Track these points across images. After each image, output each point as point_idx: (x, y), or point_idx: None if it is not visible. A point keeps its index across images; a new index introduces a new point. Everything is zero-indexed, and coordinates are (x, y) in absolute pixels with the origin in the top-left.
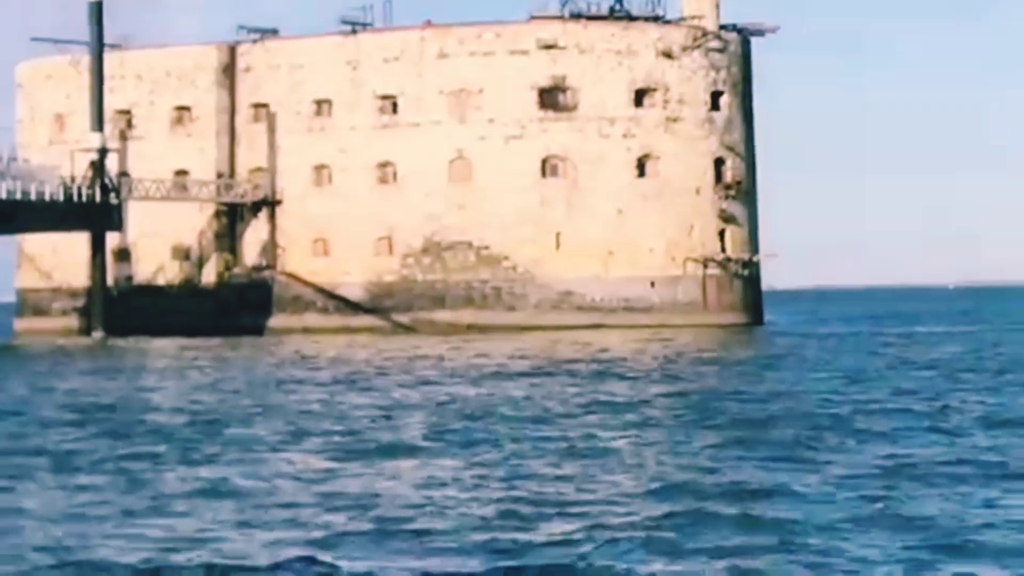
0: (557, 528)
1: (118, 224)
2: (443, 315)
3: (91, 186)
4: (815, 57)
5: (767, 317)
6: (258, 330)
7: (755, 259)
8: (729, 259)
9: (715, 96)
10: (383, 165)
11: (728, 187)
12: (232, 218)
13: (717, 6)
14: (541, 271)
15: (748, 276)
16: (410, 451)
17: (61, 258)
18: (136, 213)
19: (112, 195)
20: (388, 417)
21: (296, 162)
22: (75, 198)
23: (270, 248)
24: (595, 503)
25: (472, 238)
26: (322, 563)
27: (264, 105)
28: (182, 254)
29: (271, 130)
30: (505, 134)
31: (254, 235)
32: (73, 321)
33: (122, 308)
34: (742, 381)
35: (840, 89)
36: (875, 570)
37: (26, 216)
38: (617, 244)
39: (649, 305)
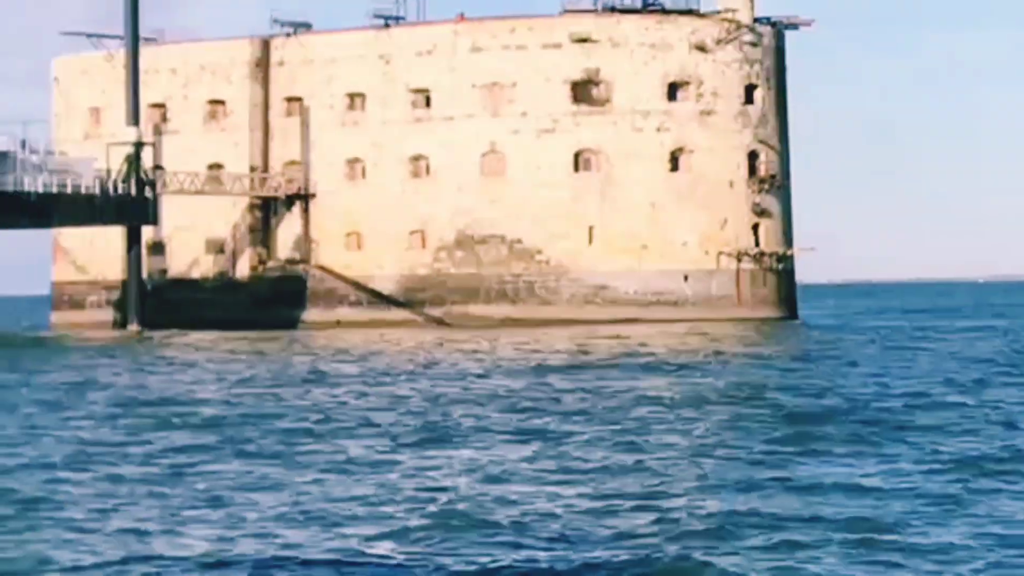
0: (624, 523)
1: (153, 218)
2: (476, 309)
3: (127, 180)
4: (849, 50)
5: (801, 312)
6: (292, 323)
7: (789, 253)
8: (763, 253)
9: (749, 90)
10: (416, 159)
11: (762, 181)
12: (266, 212)
13: None
14: (574, 265)
15: (782, 270)
16: (465, 444)
17: (96, 251)
18: (170, 207)
19: (147, 189)
20: (439, 409)
21: (329, 156)
22: (111, 192)
23: (303, 242)
24: (659, 497)
25: (505, 232)
26: (382, 556)
27: (298, 99)
28: (216, 248)
29: (304, 124)
30: (538, 128)
31: (287, 229)
32: (108, 314)
33: (156, 301)
34: (789, 375)
35: (873, 82)
36: (956, 568)
37: (62, 210)
38: (650, 238)
39: (683, 299)
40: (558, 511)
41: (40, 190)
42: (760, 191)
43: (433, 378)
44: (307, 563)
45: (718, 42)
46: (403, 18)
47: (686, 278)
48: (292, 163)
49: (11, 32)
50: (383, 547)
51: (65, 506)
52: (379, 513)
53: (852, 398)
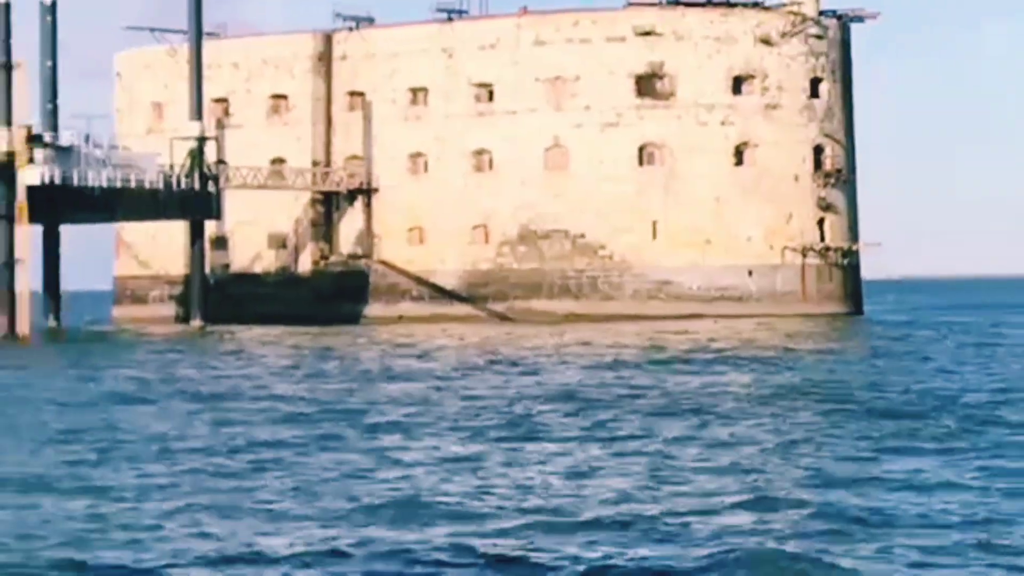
0: (727, 520)
1: (217, 212)
2: (539, 304)
3: (190, 174)
4: (915, 43)
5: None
6: (354, 319)
7: (854, 248)
8: (828, 248)
9: (814, 83)
10: (479, 153)
11: (827, 175)
12: (328, 207)
13: None
14: (638, 260)
15: (847, 265)
16: (552, 439)
17: (159, 246)
18: (233, 201)
19: (210, 183)
20: (519, 405)
21: (392, 150)
22: (174, 187)
23: (366, 236)
24: (759, 494)
25: (568, 227)
26: (480, 552)
27: (360, 93)
28: (278, 242)
29: (367, 118)
30: (601, 122)
31: (350, 224)
32: (170, 309)
33: (219, 296)
34: (869, 371)
35: (939, 77)
36: None
37: (126, 204)
38: (715, 233)
39: (747, 294)
40: (656, 509)
41: (104, 185)
42: (825, 185)
43: (506, 373)
44: (403, 557)
45: (783, 35)
46: (466, 12)
47: (750, 273)
48: (354, 157)
49: (73, 26)
50: (480, 543)
51: (158, 499)
52: (473, 509)
53: (937, 394)
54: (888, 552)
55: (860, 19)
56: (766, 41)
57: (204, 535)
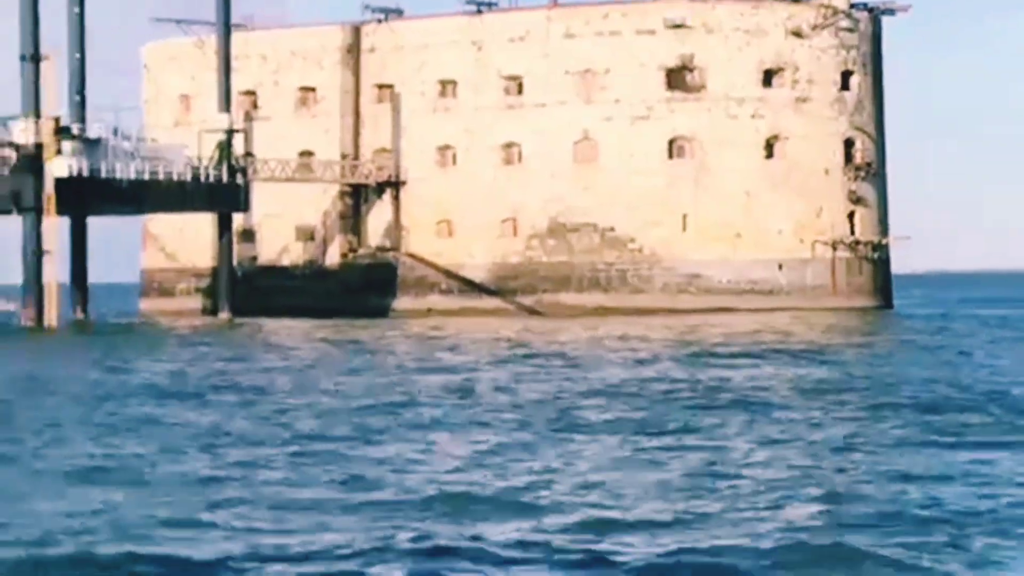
0: (785, 514)
1: (245, 205)
2: (568, 298)
3: (218, 167)
4: (946, 36)
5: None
6: (382, 312)
7: (885, 241)
8: (858, 242)
9: (845, 76)
10: (508, 146)
11: (858, 168)
12: (356, 199)
13: None
14: (667, 253)
15: (877, 259)
16: (598, 434)
17: (186, 239)
18: (260, 194)
19: (239, 176)
20: (563, 399)
21: (420, 143)
22: (202, 179)
23: (394, 229)
24: (817, 487)
25: (597, 220)
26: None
27: (389, 86)
28: (306, 235)
29: (396, 111)
30: (631, 115)
31: (378, 216)
32: (197, 302)
33: (246, 289)
34: (911, 364)
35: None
36: None
37: (154, 197)
38: (745, 226)
39: (777, 288)
40: (716, 503)
41: (132, 177)
42: (856, 179)
43: (546, 367)
44: (456, 552)
45: (814, 28)
46: (495, 4)
47: (780, 267)
48: (383, 150)
49: (100, 17)
50: (538, 537)
51: (206, 492)
52: (529, 501)
53: (984, 388)
54: (956, 547)
55: (891, 12)
56: (797, 34)
57: (256, 530)
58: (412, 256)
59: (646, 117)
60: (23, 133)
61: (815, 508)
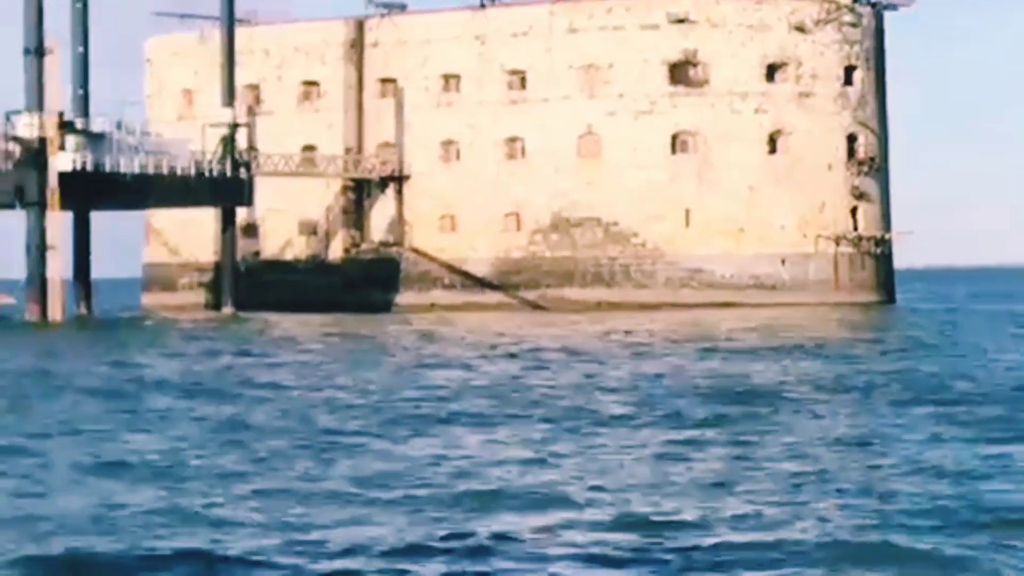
0: (830, 508)
1: (248, 199)
2: (571, 292)
3: (222, 161)
4: (949, 31)
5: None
6: (385, 306)
7: (887, 236)
8: (861, 237)
9: (848, 71)
10: (511, 141)
11: (861, 163)
12: (359, 194)
13: None
14: (670, 248)
15: (880, 254)
16: (624, 429)
17: (188, 233)
18: (263, 188)
19: (242, 170)
20: (582, 395)
21: (424, 138)
22: (206, 173)
23: (397, 224)
24: (851, 481)
25: (601, 214)
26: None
27: (392, 80)
28: (309, 229)
29: (399, 105)
30: (635, 109)
31: (381, 211)
32: (199, 296)
33: (249, 283)
34: (924, 359)
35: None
36: None
37: (158, 191)
38: (748, 221)
39: (780, 283)
40: (750, 498)
41: (136, 171)
42: (859, 174)
43: (559, 362)
44: (483, 548)
45: (817, 23)
46: None
47: (783, 262)
48: (386, 145)
49: (103, 11)
50: (566, 533)
51: (229, 485)
52: (556, 495)
53: (1005, 381)
54: (998, 545)
55: (894, 7)
56: (800, 29)
57: (285, 524)
58: (415, 251)
59: (649, 112)
60: (27, 127)
61: (852, 503)
